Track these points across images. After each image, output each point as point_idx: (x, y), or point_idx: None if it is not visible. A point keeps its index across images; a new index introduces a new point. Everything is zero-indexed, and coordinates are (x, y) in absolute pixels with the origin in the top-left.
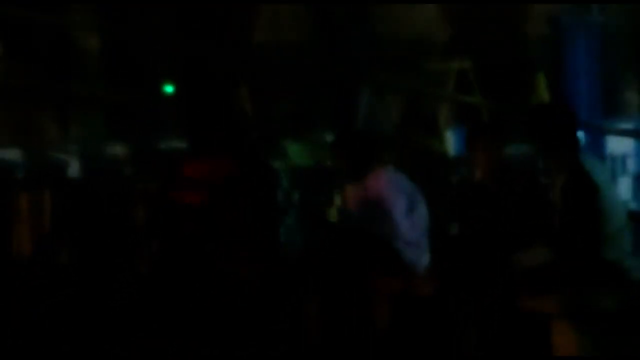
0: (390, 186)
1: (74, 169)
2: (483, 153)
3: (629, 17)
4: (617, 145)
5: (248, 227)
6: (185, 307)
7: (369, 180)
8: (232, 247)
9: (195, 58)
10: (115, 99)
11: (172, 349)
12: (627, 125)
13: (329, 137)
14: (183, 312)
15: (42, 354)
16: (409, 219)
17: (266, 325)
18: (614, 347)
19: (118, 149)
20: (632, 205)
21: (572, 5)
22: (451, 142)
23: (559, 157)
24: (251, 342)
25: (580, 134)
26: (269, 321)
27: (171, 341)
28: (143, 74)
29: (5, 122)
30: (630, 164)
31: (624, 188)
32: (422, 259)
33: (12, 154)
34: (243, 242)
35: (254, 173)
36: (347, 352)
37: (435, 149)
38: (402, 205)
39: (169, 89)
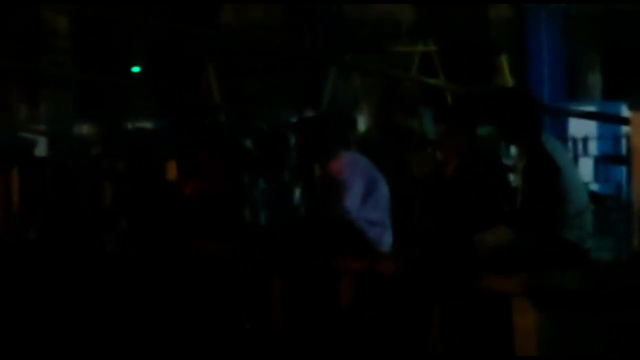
0: (348, 169)
1: (41, 148)
2: (446, 137)
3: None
4: (579, 127)
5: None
6: (153, 286)
7: (331, 163)
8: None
9: (163, 39)
10: (83, 78)
11: (138, 326)
12: (589, 108)
13: (295, 119)
14: (151, 290)
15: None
16: (370, 199)
17: (232, 308)
18: (573, 327)
19: (86, 128)
20: (594, 187)
21: None
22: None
23: (520, 141)
24: (217, 321)
25: (542, 117)
26: (234, 302)
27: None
28: (111, 54)
29: None
30: (592, 146)
31: (585, 170)
32: (386, 238)
33: None
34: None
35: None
36: (312, 330)
37: (415, 130)
38: (358, 188)
39: (135, 68)
